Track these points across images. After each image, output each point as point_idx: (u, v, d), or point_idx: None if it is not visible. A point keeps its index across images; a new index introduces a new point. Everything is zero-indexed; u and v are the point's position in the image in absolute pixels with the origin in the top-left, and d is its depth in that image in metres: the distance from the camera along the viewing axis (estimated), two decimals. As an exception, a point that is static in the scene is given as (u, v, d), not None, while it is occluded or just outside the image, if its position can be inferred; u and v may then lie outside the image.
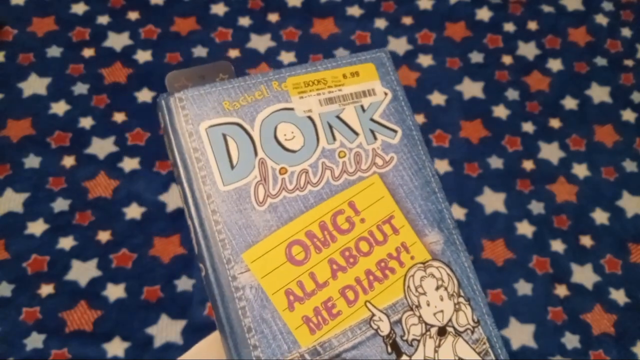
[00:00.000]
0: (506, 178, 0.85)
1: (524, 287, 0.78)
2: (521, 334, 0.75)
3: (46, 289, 0.75)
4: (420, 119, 0.89)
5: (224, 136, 0.29)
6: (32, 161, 0.83)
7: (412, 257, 0.30)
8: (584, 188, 0.85)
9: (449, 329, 0.29)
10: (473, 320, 0.30)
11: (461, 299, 0.30)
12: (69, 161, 0.83)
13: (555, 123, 0.90)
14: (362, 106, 0.32)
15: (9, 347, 0.71)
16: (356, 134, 0.32)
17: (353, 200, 0.30)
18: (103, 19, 0.94)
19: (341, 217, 0.30)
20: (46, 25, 0.93)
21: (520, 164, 0.86)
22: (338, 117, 0.32)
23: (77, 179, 0.82)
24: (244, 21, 0.96)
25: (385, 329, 0.28)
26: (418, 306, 0.29)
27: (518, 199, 0.84)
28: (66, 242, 0.77)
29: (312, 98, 0.31)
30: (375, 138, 0.32)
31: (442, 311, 0.29)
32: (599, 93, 0.93)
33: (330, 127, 0.31)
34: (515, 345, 0.74)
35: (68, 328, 0.72)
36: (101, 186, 0.82)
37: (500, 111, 0.91)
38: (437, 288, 0.30)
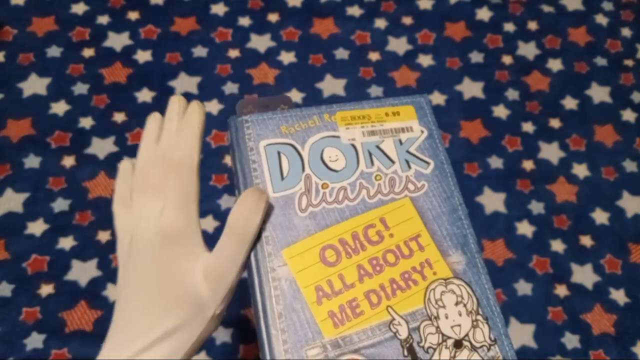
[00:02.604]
0: (506, 178, 0.85)
1: (524, 287, 0.78)
2: (521, 334, 0.75)
3: (46, 289, 0.75)
4: (420, 119, 0.89)
5: (279, 153, 0.34)
6: (32, 161, 0.83)
7: (434, 273, 0.33)
8: (584, 188, 0.85)
9: (465, 343, 0.31)
10: (490, 339, 0.32)
11: (479, 317, 0.32)
12: (69, 161, 0.83)
13: (555, 123, 0.90)
14: (399, 140, 0.37)
15: (9, 347, 0.71)
16: (392, 162, 0.36)
17: (384, 217, 0.34)
18: (103, 19, 0.94)
19: (372, 230, 0.33)
20: (46, 25, 0.93)
21: (520, 164, 0.86)
22: (377, 146, 0.36)
23: (77, 179, 0.82)
24: (244, 21, 0.96)
25: (403, 333, 0.30)
26: (437, 317, 0.31)
27: (518, 199, 0.84)
28: (66, 242, 0.77)
29: (356, 129, 0.36)
30: (410, 167, 0.36)
31: (459, 325, 0.31)
32: (599, 93, 0.93)
33: (370, 154, 0.36)
34: (515, 345, 0.74)
35: (68, 328, 0.72)
36: (101, 186, 0.82)
37: (500, 111, 0.91)
38: (457, 304, 0.32)
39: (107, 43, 0.92)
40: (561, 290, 0.78)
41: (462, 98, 0.91)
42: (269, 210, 0.33)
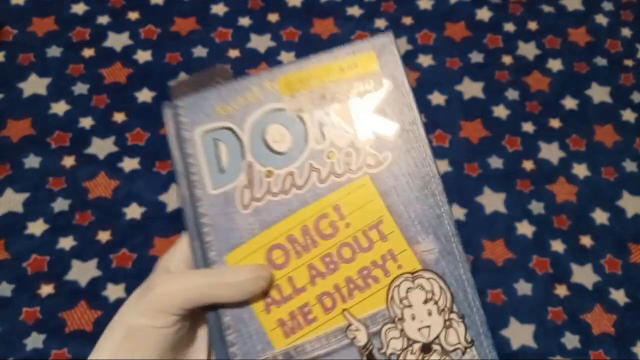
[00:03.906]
0: (506, 178, 0.85)
1: (524, 287, 0.78)
2: (521, 334, 0.75)
3: (46, 289, 0.75)
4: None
5: (215, 141, 0.29)
6: (32, 161, 0.83)
7: (399, 266, 0.28)
8: (584, 188, 0.85)
9: (435, 347, 0.27)
10: (466, 340, 0.27)
11: (454, 315, 0.27)
12: (69, 161, 0.83)
13: (555, 123, 0.90)
14: (357, 100, 0.30)
15: (9, 347, 0.71)
16: (348, 131, 0.29)
17: (339, 203, 0.29)
18: (103, 19, 0.94)
19: (325, 221, 0.29)
20: (46, 25, 0.93)
21: (520, 164, 0.86)
22: (330, 114, 0.30)
23: (77, 179, 0.82)
24: (244, 21, 0.96)
25: (362, 339, 0.27)
26: (401, 319, 0.27)
27: (518, 199, 0.84)
28: (66, 242, 0.77)
29: (303, 97, 0.30)
30: (369, 135, 0.29)
31: (428, 327, 0.27)
32: (599, 93, 0.93)
33: (321, 125, 0.30)
34: (515, 345, 0.74)
35: (68, 328, 0.72)
36: (101, 186, 0.82)
37: (500, 111, 0.91)
38: (426, 301, 0.27)
39: (107, 43, 0.92)
40: (561, 290, 0.78)
41: (462, 98, 0.91)
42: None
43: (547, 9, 1.00)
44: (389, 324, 0.27)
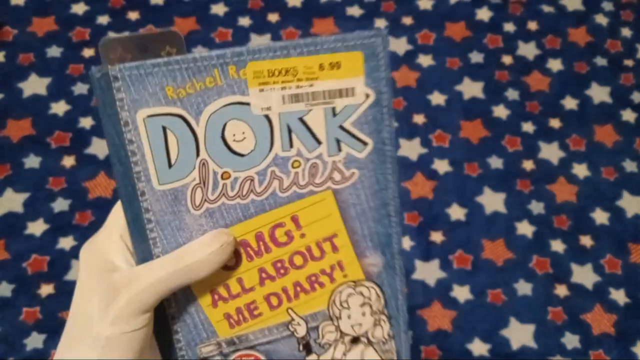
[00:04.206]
0: (506, 178, 0.85)
1: (524, 287, 0.78)
2: (521, 334, 0.75)
3: (46, 289, 0.75)
4: (420, 119, 0.89)
5: (164, 129, 0.25)
6: (32, 161, 0.83)
7: (345, 275, 0.29)
8: (584, 188, 0.85)
9: (363, 339, 0.30)
10: (388, 335, 0.30)
11: (383, 316, 0.30)
12: (69, 161, 0.83)
13: (555, 123, 0.90)
14: (333, 109, 0.27)
15: (9, 347, 0.71)
16: (318, 142, 0.27)
17: (297, 214, 0.28)
18: (103, 19, 0.94)
19: (280, 230, 0.28)
20: (46, 25, 0.93)
21: (520, 164, 0.86)
22: (301, 119, 0.27)
23: (77, 179, 0.82)
24: (244, 21, 0.96)
25: (301, 332, 0.29)
26: (338, 317, 0.30)
27: (518, 199, 0.84)
28: (66, 242, 0.77)
29: (274, 93, 0.26)
30: (340, 149, 0.27)
31: (360, 324, 0.30)
32: (599, 93, 0.93)
33: (290, 131, 0.27)
34: (515, 345, 0.74)
35: (68, 328, 0.72)
36: (101, 186, 0.82)
37: (500, 111, 0.91)
38: (363, 305, 0.30)
39: (107, 43, 0.92)
40: (561, 290, 0.78)
41: (462, 98, 0.91)
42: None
43: (547, 9, 1.00)
44: (326, 321, 0.29)
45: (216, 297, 0.28)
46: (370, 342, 0.31)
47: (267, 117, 0.26)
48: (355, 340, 0.30)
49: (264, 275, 0.28)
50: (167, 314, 0.27)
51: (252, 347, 0.28)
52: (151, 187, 0.26)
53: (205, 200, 0.26)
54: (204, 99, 0.25)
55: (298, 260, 0.29)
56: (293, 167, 0.27)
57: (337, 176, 0.28)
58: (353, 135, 0.27)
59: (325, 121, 0.27)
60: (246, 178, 0.27)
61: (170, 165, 0.25)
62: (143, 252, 0.26)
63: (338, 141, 0.27)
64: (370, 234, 0.29)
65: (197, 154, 0.26)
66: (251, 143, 0.26)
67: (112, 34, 0.26)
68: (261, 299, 0.28)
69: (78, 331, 0.26)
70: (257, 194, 0.27)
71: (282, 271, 0.28)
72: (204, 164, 0.26)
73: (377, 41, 0.26)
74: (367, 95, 0.27)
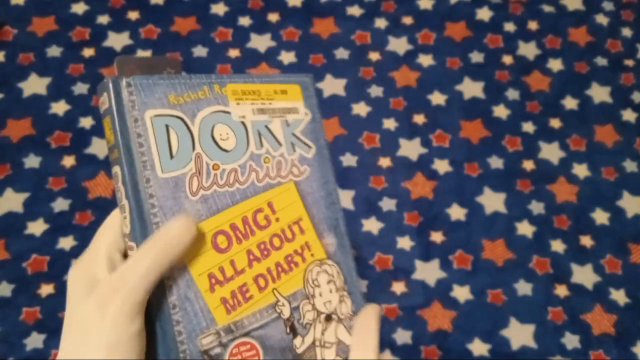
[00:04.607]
0: (506, 178, 0.85)
1: (524, 287, 0.78)
2: (521, 334, 0.75)
3: (46, 289, 0.75)
4: (420, 118, 0.89)
5: (167, 127, 0.31)
6: (32, 161, 0.83)
7: (312, 255, 0.35)
8: (584, 188, 0.85)
9: (334, 317, 0.35)
10: (352, 311, 0.36)
11: (344, 293, 0.36)
12: (69, 161, 0.83)
13: (555, 123, 0.90)
14: (286, 121, 0.36)
15: (9, 347, 0.71)
16: (280, 144, 0.35)
17: (272, 201, 0.34)
18: (103, 19, 0.94)
19: (260, 214, 0.33)
20: (46, 25, 0.93)
21: (521, 164, 0.86)
22: (267, 127, 0.35)
23: (77, 179, 0.82)
24: (244, 21, 0.96)
25: (286, 312, 0.33)
26: (313, 296, 0.34)
27: (518, 199, 0.84)
28: (66, 242, 0.77)
29: (246, 106, 0.34)
30: (294, 150, 0.36)
31: (330, 301, 0.35)
32: (599, 93, 0.93)
33: (260, 134, 0.34)
34: (515, 345, 0.74)
35: (68, 328, 0.72)
36: (101, 186, 0.82)
37: (501, 111, 0.91)
38: (328, 282, 0.35)
39: (107, 43, 0.92)
40: (561, 291, 0.78)
41: (462, 98, 0.91)
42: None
43: (547, 8, 1.00)
44: (305, 299, 0.34)
45: (213, 281, 0.30)
46: (340, 320, 0.35)
47: (243, 123, 0.34)
48: (328, 318, 0.35)
49: (251, 257, 0.32)
50: (165, 307, 0.29)
51: (247, 334, 0.31)
52: (155, 174, 0.30)
53: (201, 187, 0.31)
54: (197, 106, 0.32)
55: (276, 241, 0.34)
56: (265, 162, 0.34)
57: (295, 171, 0.36)
58: (301, 141, 0.37)
59: (282, 129, 0.36)
60: (231, 170, 0.33)
61: (172, 157, 0.30)
62: (145, 237, 0.29)
63: (293, 144, 0.36)
64: (324, 217, 0.36)
65: (193, 148, 0.31)
66: (233, 142, 0.33)
67: (124, 56, 0.33)
68: (251, 280, 0.32)
69: (80, 338, 0.26)
70: (241, 183, 0.33)
71: (265, 252, 0.33)
72: (198, 156, 0.31)
73: (308, 80, 0.38)
74: (306, 114, 0.38)
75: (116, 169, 0.30)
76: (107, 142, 0.31)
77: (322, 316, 0.35)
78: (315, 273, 0.35)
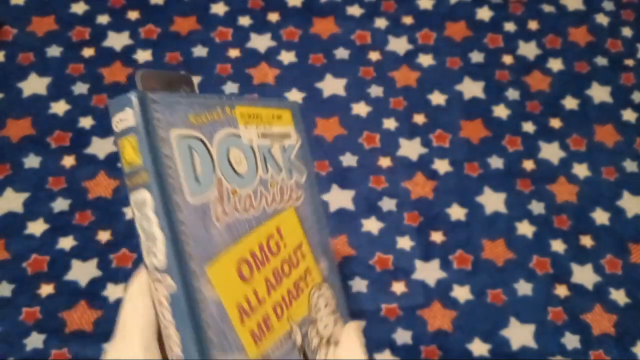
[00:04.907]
0: (506, 178, 0.85)
1: (524, 287, 0.78)
2: (521, 334, 0.75)
3: (46, 289, 0.75)
4: (420, 118, 0.89)
5: (190, 149, 0.28)
6: (32, 161, 0.83)
7: (313, 279, 0.35)
8: (584, 188, 0.85)
9: (332, 339, 0.35)
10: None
11: (338, 314, 0.36)
12: (69, 161, 0.83)
13: (555, 123, 0.90)
14: (284, 146, 0.36)
15: (9, 347, 0.71)
16: (280, 169, 0.35)
17: (279, 226, 0.33)
18: (103, 19, 0.94)
19: (272, 241, 0.33)
20: (46, 24, 0.93)
21: (521, 164, 0.86)
22: (269, 151, 0.34)
23: (77, 178, 0.82)
24: (244, 21, 0.96)
25: (299, 339, 0.33)
26: (316, 320, 0.35)
27: (518, 199, 0.84)
28: (66, 242, 0.77)
29: (253, 130, 0.33)
30: (292, 176, 0.36)
31: (327, 324, 0.35)
32: (599, 93, 0.93)
33: (265, 159, 0.34)
34: (515, 345, 0.74)
35: (68, 328, 0.72)
36: (101, 186, 0.82)
37: (501, 111, 0.91)
38: (326, 305, 0.36)
39: (107, 43, 0.92)
40: (561, 291, 0.78)
41: (462, 98, 0.91)
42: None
43: (547, 8, 1.00)
44: (311, 325, 0.34)
45: (242, 312, 0.29)
46: (335, 343, 0.35)
47: (252, 147, 0.33)
48: (328, 341, 0.35)
49: (269, 284, 0.31)
50: (206, 338, 0.26)
51: None
52: (185, 200, 0.27)
53: (224, 213, 0.29)
54: (214, 128, 0.30)
55: (286, 268, 0.33)
56: (271, 187, 0.33)
57: (294, 196, 0.35)
58: (296, 166, 0.36)
59: (281, 154, 0.35)
60: (247, 195, 0.31)
61: (197, 181, 0.28)
62: (183, 272, 0.26)
63: (290, 169, 0.35)
64: (318, 242, 0.36)
65: (214, 172, 0.29)
66: (245, 166, 0.32)
67: (146, 70, 0.31)
68: (271, 310, 0.31)
69: None
70: (254, 209, 0.32)
71: (279, 280, 0.32)
72: (219, 181, 0.30)
73: (296, 105, 0.38)
74: (297, 139, 0.37)
75: (143, 195, 0.26)
76: (127, 165, 0.27)
77: (324, 340, 0.35)
78: (316, 297, 0.35)
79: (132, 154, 0.26)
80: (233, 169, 0.31)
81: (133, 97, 0.26)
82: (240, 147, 0.32)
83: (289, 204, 0.34)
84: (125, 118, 0.26)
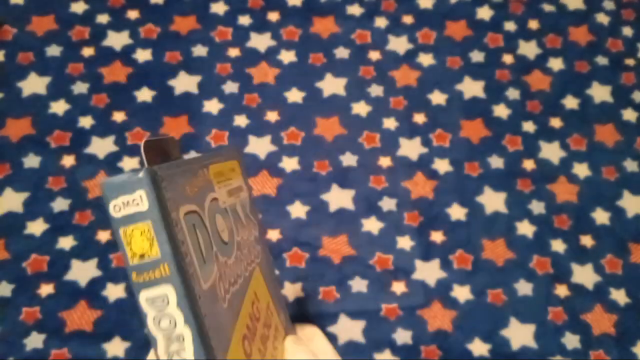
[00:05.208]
0: (507, 178, 0.85)
1: (524, 287, 0.78)
2: (521, 334, 0.75)
3: (46, 289, 0.75)
4: (420, 118, 0.89)
5: (194, 227, 0.24)
6: (32, 161, 0.82)
7: (280, 334, 0.34)
8: (584, 188, 0.85)
9: None
10: None
11: None
12: (68, 161, 0.83)
13: (556, 122, 0.90)
14: (241, 201, 0.33)
15: (9, 347, 0.71)
16: (244, 226, 0.32)
17: (255, 290, 0.32)
18: (103, 18, 0.94)
19: (255, 306, 0.31)
20: (46, 24, 0.93)
21: (521, 164, 0.86)
22: (234, 209, 0.30)
23: (77, 178, 0.82)
24: (244, 20, 0.95)
25: None
26: None
27: (518, 199, 0.84)
28: (66, 242, 0.77)
29: (223, 189, 0.30)
30: (251, 232, 0.33)
31: None
32: (599, 92, 0.93)
33: (235, 219, 0.30)
34: (515, 345, 0.74)
35: (68, 328, 0.72)
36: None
37: (501, 111, 0.90)
38: None
39: (107, 42, 0.92)
40: (561, 290, 0.78)
41: (462, 97, 0.91)
42: None
43: (548, 7, 1.00)
44: None
45: None
46: None
47: (225, 209, 0.30)
48: None
49: (261, 355, 0.29)
50: None
51: None
52: (201, 288, 0.23)
53: (225, 291, 0.26)
54: (202, 196, 0.26)
55: (266, 331, 0.32)
56: (242, 249, 0.31)
57: (256, 253, 0.33)
58: (251, 220, 0.34)
59: (242, 210, 0.33)
60: (233, 263, 0.28)
61: (204, 262, 0.24)
62: None
63: (249, 226, 0.33)
64: (275, 294, 0.35)
65: (212, 247, 0.25)
66: (227, 232, 0.29)
67: (150, 139, 0.26)
68: None
69: None
70: (239, 277, 0.29)
71: (265, 345, 0.31)
72: (216, 255, 0.26)
73: (237, 152, 0.36)
74: (247, 190, 0.35)
75: (163, 290, 0.21)
76: (137, 258, 0.22)
77: None
78: (280, 355, 0.35)
79: (144, 244, 0.21)
80: (220, 238, 0.27)
81: (145, 176, 0.21)
82: (221, 212, 0.28)
83: (255, 263, 0.32)
84: (135, 202, 0.21)
